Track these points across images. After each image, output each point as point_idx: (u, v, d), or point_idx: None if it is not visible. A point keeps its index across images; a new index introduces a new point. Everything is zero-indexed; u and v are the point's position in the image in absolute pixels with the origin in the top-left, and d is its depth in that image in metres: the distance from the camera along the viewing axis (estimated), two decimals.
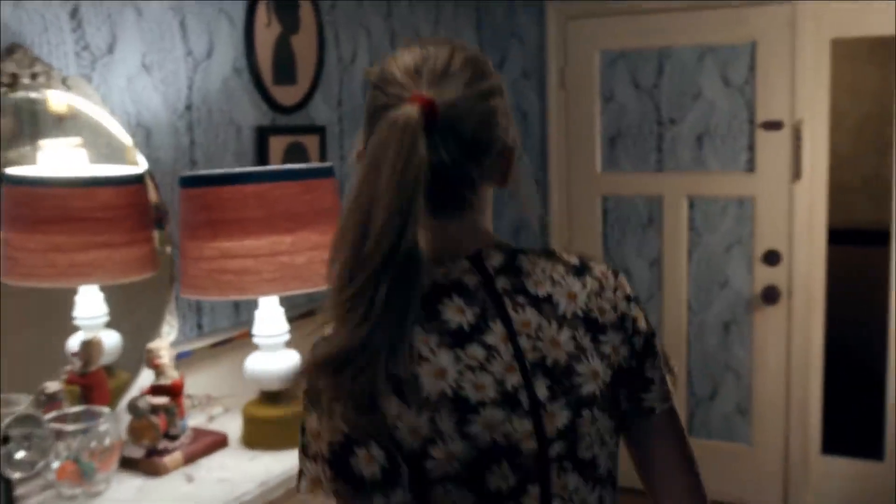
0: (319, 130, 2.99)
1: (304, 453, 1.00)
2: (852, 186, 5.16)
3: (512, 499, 1.01)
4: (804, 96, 3.47)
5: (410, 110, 0.95)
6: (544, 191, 4.03)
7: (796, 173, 3.52)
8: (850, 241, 4.62)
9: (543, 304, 1.05)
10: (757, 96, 3.56)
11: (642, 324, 1.13)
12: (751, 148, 3.60)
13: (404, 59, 1.03)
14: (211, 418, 2.27)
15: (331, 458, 0.96)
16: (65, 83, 2.08)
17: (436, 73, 1.01)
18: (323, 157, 2.99)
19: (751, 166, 3.62)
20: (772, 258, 3.58)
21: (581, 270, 1.10)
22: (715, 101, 3.66)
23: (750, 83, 3.58)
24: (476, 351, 1.00)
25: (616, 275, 1.14)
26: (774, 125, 3.53)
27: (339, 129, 3.11)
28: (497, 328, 1.02)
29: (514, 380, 1.01)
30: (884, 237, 3.85)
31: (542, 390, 1.02)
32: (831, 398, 3.72)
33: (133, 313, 2.28)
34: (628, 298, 1.13)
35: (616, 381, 1.09)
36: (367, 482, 0.95)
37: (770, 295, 3.59)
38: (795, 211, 3.54)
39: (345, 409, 0.94)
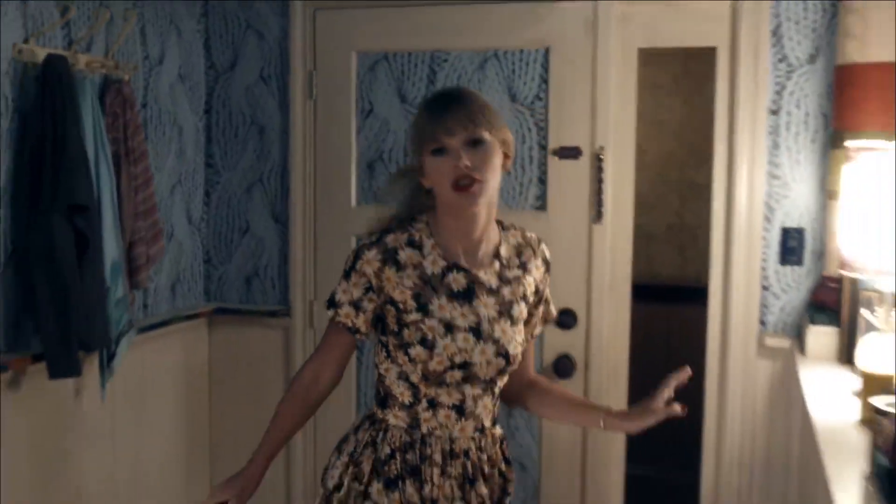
0: None
1: None
2: (654, 234, 4.59)
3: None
4: (606, 118, 2.77)
5: None
6: (284, 226, 3.12)
7: (597, 214, 2.79)
8: (652, 297, 3.99)
9: None
10: (550, 116, 2.83)
11: None
12: (542, 181, 2.86)
13: None
14: None
15: None
16: None
17: None
18: None
19: (542, 203, 2.87)
20: (566, 321, 2.82)
21: None
22: None
23: (542, 99, 2.85)
24: None
25: None
26: (571, 152, 2.80)
27: None
28: None
29: None
30: (690, 294, 3.25)
31: None
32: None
33: None
34: None
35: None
36: None
37: (564, 367, 2.83)
38: (595, 261, 2.81)
39: None
